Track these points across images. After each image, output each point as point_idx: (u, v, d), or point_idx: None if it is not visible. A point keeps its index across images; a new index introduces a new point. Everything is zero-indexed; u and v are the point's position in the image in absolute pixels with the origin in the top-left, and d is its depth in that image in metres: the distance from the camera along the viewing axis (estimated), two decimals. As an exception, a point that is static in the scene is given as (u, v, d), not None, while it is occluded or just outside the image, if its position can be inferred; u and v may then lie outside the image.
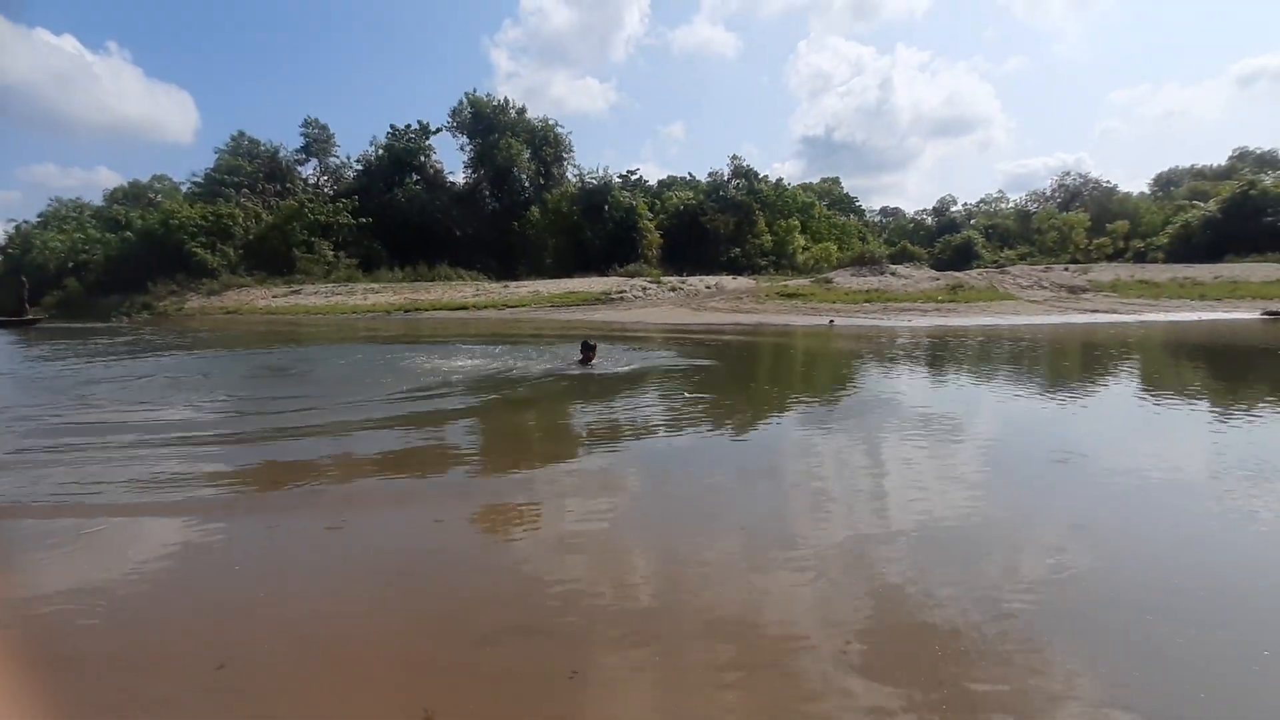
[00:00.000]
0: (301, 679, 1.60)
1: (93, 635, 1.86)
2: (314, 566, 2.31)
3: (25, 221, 36.53)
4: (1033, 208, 41.46)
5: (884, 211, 57.13)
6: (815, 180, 52.17)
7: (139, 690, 1.60)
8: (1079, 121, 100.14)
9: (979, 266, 30.28)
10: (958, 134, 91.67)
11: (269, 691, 1.56)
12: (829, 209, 43.80)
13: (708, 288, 24.80)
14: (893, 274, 26.75)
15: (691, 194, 36.58)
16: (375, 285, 29.38)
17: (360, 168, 35.74)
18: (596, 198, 33.20)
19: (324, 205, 31.87)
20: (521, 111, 36.20)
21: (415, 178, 34.93)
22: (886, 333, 13.48)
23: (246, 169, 33.08)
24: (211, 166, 33.49)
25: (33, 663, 1.71)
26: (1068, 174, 42.13)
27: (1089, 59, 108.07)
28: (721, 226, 33.96)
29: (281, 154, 34.73)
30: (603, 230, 32.21)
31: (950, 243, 35.15)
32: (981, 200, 46.85)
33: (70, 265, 31.45)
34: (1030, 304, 20.28)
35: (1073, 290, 22.55)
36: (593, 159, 62.99)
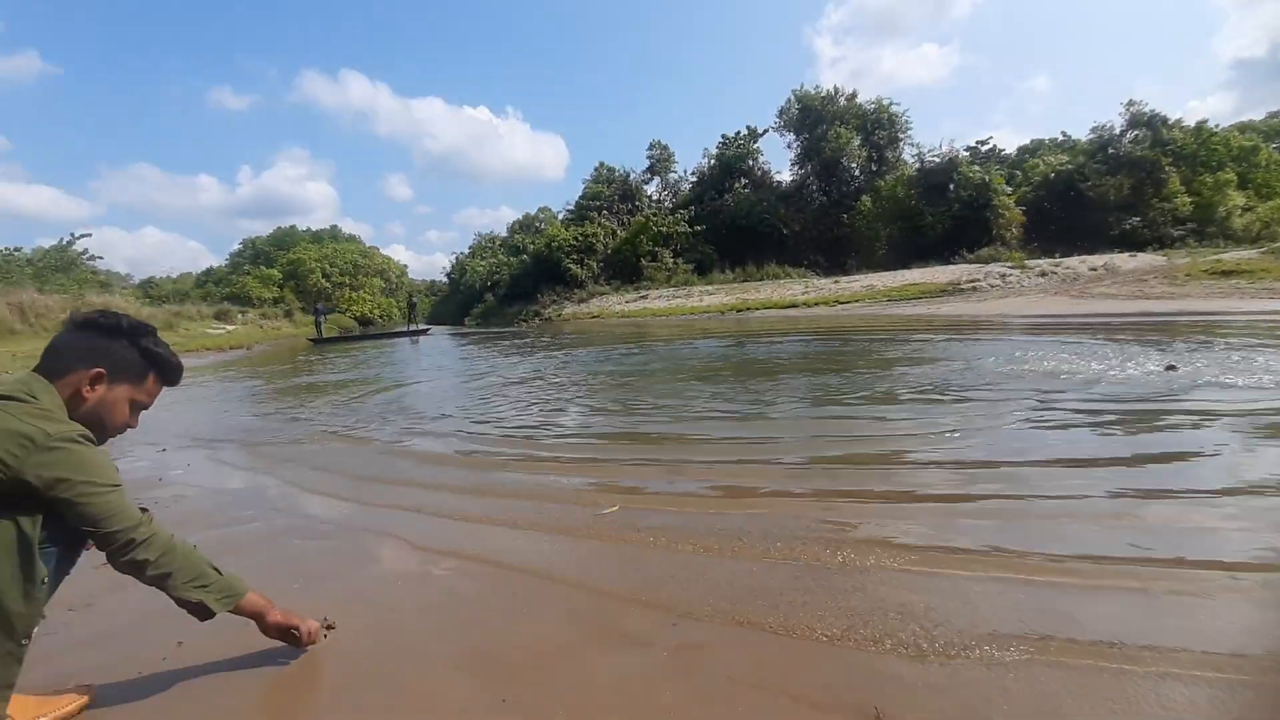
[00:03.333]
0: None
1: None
2: None
3: (461, 253, 51.73)
4: None
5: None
6: (1259, 116, 39.66)
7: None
8: None
9: None
10: None
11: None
12: (1288, 150, 32.90)
13: (1092, 270, 21.46)
14: None
15: (1067, 157, 31.70)
16: (709, 287, 33.07)
17: (694, 179, 40.68)
18: (938, 177, 31.37)
19: (665, 218, 37.24)
20: (852, 97, 36.39)
21: (743, 181, 38.21)
22: None
23: (605, 193, 40.76)
24: (580, 195, 42.25)
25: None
26: None
27: None
28: (1111, 192, 28.62)
29: (631, 177, 41.80)
30: (946, 213, 30.28)
31: None
32: None
33: (489, 284, 43.26)
34: None
35: None
36: (932, 134, 58.84)
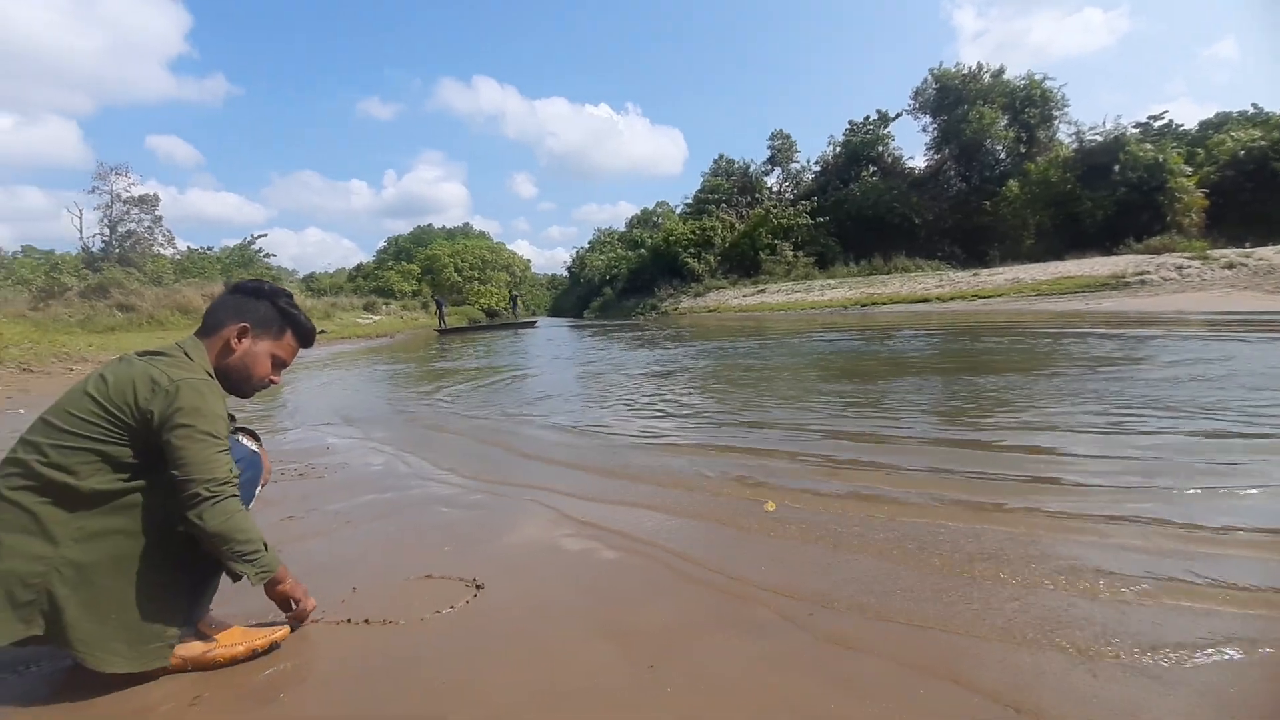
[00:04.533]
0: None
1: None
2: None
3: (581, 248, 53.85)
4: None
5: None
6: None
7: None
8: None
9: None
10: None
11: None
12: None
13: (1295, 261, 18.79)
14: None
15: (1260, 132, 27.67)
16: (831, 281, 32.14)
17: (818, 169, 39.64)
18: (1100, 157, 28.48)
19: (785, 209, 36.61)
20: (998, 74, 33.86)
21: (872, 169, 36.71)
22: None
23: (724, 186, 40.74)
24: (699, 188, 42.55)
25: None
26: None
27: None
28: (1321, 170, 24.74)
29: (751, 169, 41.50)
30: (1109, 197, 27.45)
31: None
32: None
33: (607, 277, 44.68)
34: None
35: None
36: (1093, 110, 53.28)
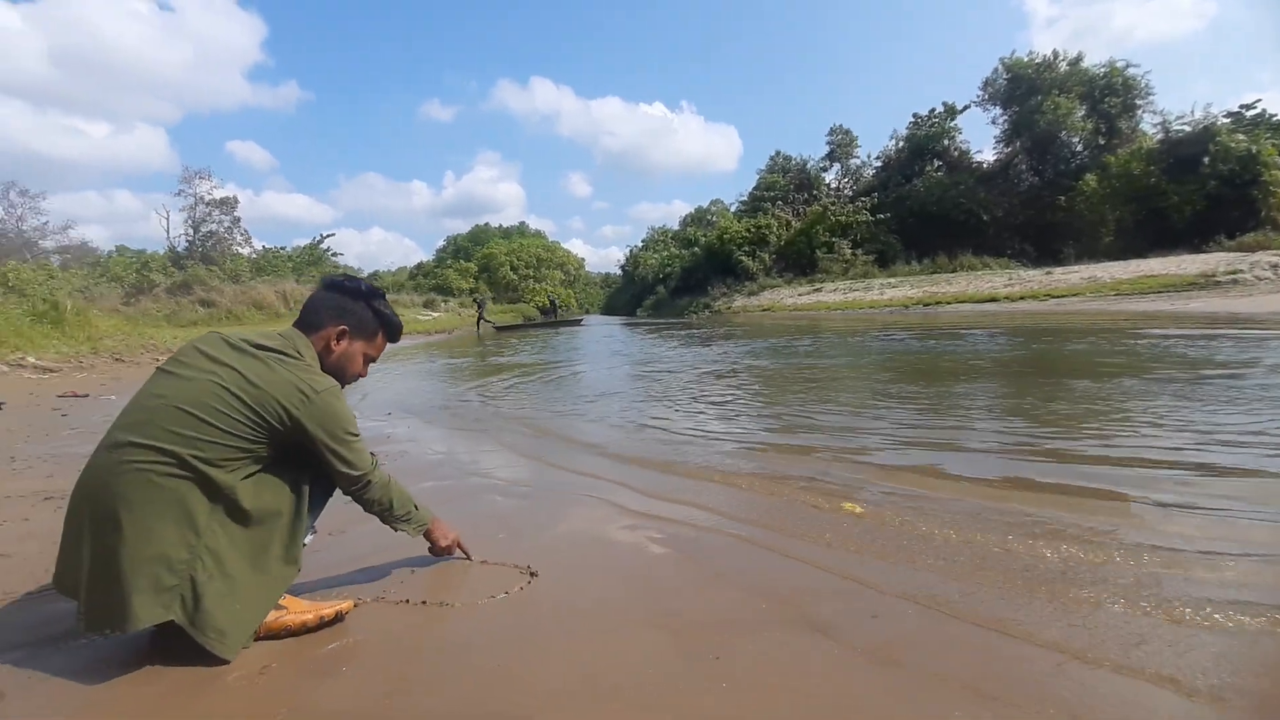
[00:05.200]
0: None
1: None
2: None
3: (635, 246, 54.03)
4: None
5: None
6: None
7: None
8: None
9: None
10: None
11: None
12: None
13: None
14: None
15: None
16: (892, 280, 31.19)
17: (879, 164, 38.56)
18: (1188, 149, 26.64)
19: (844, 206, 35.75)
20: (1075, 61, 32.13)
21: (936, 164, 35.41)
22: None
23: (780, 183, 40.10)
24: (754, 186, 42.03)
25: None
26: None
27: None
28: None
29: (809, 165, 40.71)
30: (1197, 192, 25.66)
31: None
32: None
33: (660, 276, 44.67)
34: None
35: None
36: (1180, 99, 49.92)
